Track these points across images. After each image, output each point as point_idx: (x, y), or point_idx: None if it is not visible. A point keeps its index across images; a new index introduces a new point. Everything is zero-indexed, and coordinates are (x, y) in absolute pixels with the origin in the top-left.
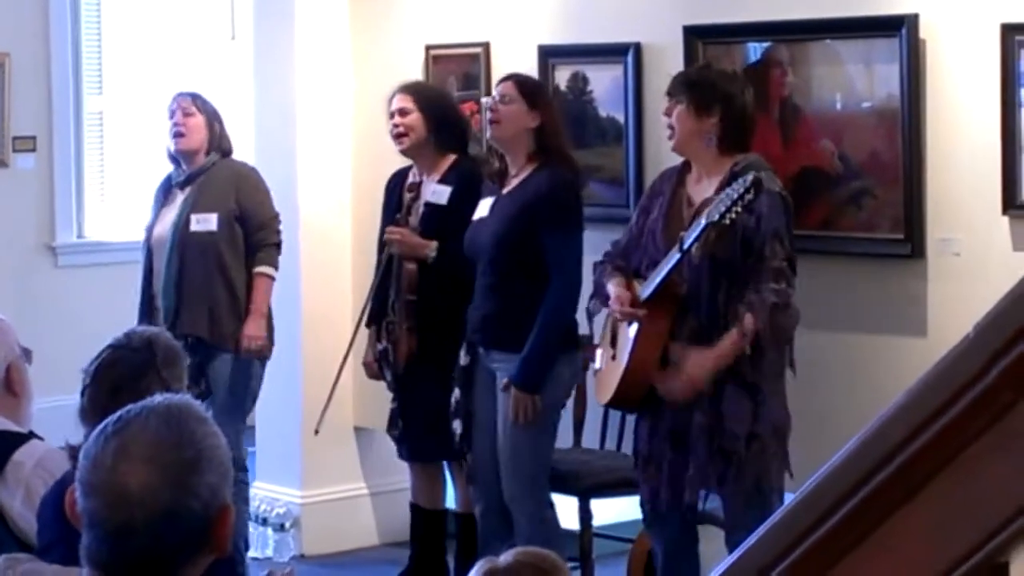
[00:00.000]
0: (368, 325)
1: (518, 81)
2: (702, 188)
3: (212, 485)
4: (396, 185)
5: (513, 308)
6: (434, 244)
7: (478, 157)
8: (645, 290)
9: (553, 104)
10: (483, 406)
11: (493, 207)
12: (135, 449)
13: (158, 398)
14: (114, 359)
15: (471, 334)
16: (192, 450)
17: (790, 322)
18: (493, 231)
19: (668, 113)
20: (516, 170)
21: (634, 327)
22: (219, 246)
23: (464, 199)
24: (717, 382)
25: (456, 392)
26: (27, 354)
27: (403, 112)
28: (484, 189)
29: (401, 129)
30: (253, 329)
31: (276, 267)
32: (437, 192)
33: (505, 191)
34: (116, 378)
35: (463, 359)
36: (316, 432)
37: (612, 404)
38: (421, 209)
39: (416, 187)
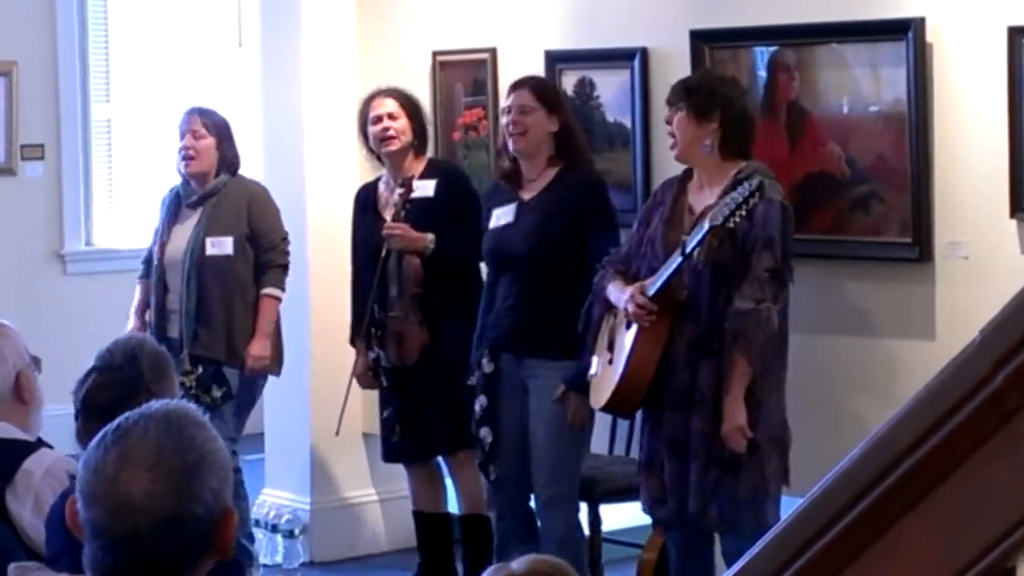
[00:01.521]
0: (352, 343)
1: (533, 87)
2: (703, 196)
3: (214, 489)
4: (367, 197)
5: (550, 316)
6: (431, 236)
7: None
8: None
9: (567, 104)
10: (510, 413)
11: (519, 214)
12: (136, 457)
13: (155, 404)
14: (101, 383)
15: (496, 341)
16: (193, 455)
17: (758, 335)
18: (528, 238)
19: (669, 121)
20: (535, 174)
21: (632, 332)
22: (235, 269)
23: (448, 190)
24: (717, 391)
25: (482, 399)
26: (36, 363)
27: (392, 116)
28: (492, 194)
29: (392, 132)
30: (258, 349)
31: (283, 288)
32: (422, 186)
33: (528, 197)
34: (106, 403)
35: (487, 367)
36: (336, 434)
37: (607, 409)
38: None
39: (409, 181)
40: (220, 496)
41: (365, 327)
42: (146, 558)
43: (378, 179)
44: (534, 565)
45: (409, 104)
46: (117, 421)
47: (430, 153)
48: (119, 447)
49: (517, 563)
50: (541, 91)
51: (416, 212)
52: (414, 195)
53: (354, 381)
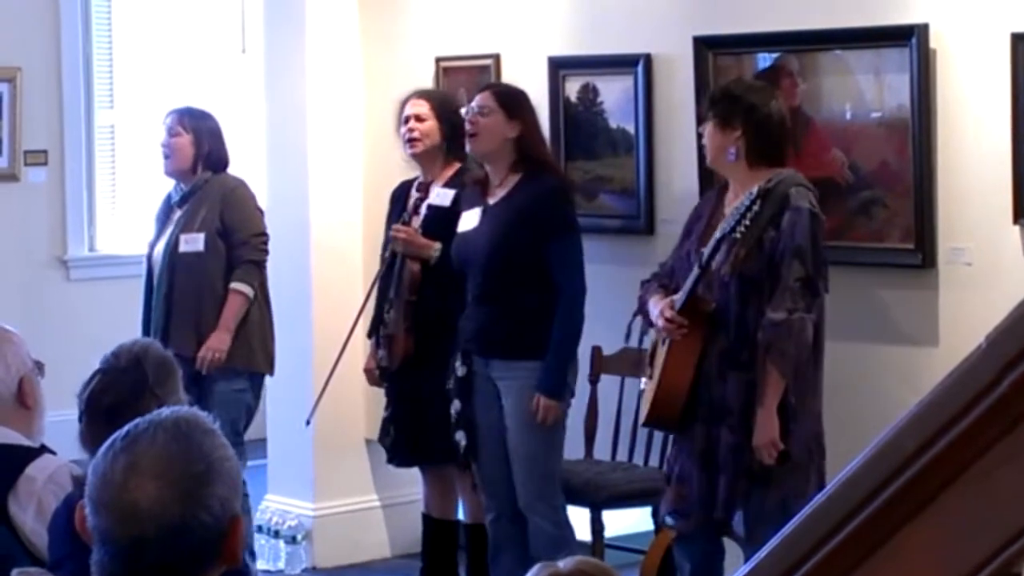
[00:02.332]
0: (369, 335)
1: (496, 92)
2: None
3: (222, 497)
4: (401, 195)
5: (512, 318)
6: (438, 245)
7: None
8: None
9: (533, 113)
10: (487, 415)
11: (483, 217)
12: (145, 465)
13: (165, 411)
14: (105, 385)
15: (466, 343)
16: (202, 464)
17: (791, 345)
18: (488, 242)
19: (701, 132)
20: (499, 180)
21: (667, 345)
22: (207, 266)
23: None
24: (746, 403)
25: (456, 403)
26: (39, 367)
27: (419, 118)
28: (464, 198)
29: (416, 134)
30: (215, 342)
31: (252, 285)
32: (441, 195)
33: (492, 201)
34: (110, 405)
35: (459, 370)
36: (307, 423)
37: (649, 423)
38: (424, 211)
39: (426, 187)
40: (228, 505)
41: (372, 326)
42: (153, 566)
43: (416, 178)
44: (579, 565)
45: (440, 107)
46: (127, 428)
47: None
48: (128, 455)
49: (563, 563)
50: (503, 95)
51: (432, 220)
52: (433, 202)
53: (337, 377)
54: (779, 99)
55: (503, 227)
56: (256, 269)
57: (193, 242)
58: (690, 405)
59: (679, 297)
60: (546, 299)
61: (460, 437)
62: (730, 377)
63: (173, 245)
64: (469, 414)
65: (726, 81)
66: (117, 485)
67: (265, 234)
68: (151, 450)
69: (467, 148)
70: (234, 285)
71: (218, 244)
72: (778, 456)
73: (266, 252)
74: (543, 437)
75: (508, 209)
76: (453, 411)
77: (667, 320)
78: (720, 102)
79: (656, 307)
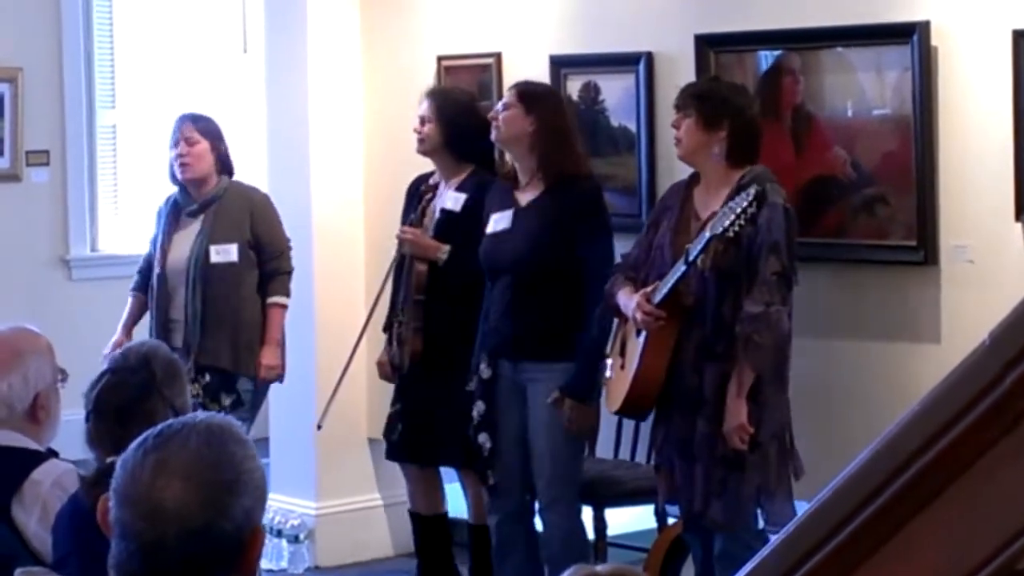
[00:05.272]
0: (385, 329)
1: (518, 87)
2: (709, 201)
3: (247, 508)
4: (418, 189)
5: (545, 319)
6: (446, 247)
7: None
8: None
9: (554, 111)
10: (509, 418)
11: (515, 220)
12: (174, 465)
13: (200, 415)
14: (113, 384)
15: (493, 347)
16: (231, 472)
17: (768, 337)
18: (522, 246)
19: (676, 126)
20: (527, 178)
21: (642, 338)
22: (240, 276)
23: (478, 208)
24: (722, 393)
25: (480, 404)
26: (63, 375)
27: (422, 120)
28: (492, 197)
29: (420, 137)
30: (270, 358)
31: (289, 295)
32: (453, 199)
33: (524, 204)
34: (119, 404)
35: (484, 372)
36: (319, 427)
37: (621, 412)
38: (436, 214)
39: (434, 188)
40: (251, 516)
41: (387, 321)
42: (169, 567)
43: (433, 172)
44: (616, 570)
45: (441, 109)
46: (160, 427)
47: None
48: (158, 452)
49: (601, 567)
50: (523, 91)
51: (442, 223)
52: (445, 206)
53: (345, 377)
54: (756, 100)
55: (537, 232)
56: (289, 279)
57: (225, 253)
58: (662, 395)
59: (659, 291)
60: (576, 300)
61: (484, 439)
62: (707, 368)
63: (204, 256)
64: (492, 416)
65: (703, 78)
66: (144, 482)
67: (290, 243)
68: (183, 451)
69: (493, 137)
70: (274, 299)
71: (250, 255)
72: (749, 445)
73: (292, 259)
74: (572, 439)
75: (541, 214)
76: (476, 413)
77: (645, 313)
78: (706, 101)
79: (631, 300)
